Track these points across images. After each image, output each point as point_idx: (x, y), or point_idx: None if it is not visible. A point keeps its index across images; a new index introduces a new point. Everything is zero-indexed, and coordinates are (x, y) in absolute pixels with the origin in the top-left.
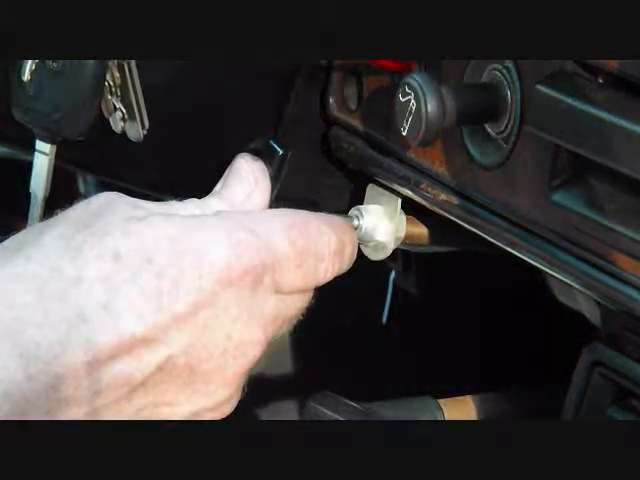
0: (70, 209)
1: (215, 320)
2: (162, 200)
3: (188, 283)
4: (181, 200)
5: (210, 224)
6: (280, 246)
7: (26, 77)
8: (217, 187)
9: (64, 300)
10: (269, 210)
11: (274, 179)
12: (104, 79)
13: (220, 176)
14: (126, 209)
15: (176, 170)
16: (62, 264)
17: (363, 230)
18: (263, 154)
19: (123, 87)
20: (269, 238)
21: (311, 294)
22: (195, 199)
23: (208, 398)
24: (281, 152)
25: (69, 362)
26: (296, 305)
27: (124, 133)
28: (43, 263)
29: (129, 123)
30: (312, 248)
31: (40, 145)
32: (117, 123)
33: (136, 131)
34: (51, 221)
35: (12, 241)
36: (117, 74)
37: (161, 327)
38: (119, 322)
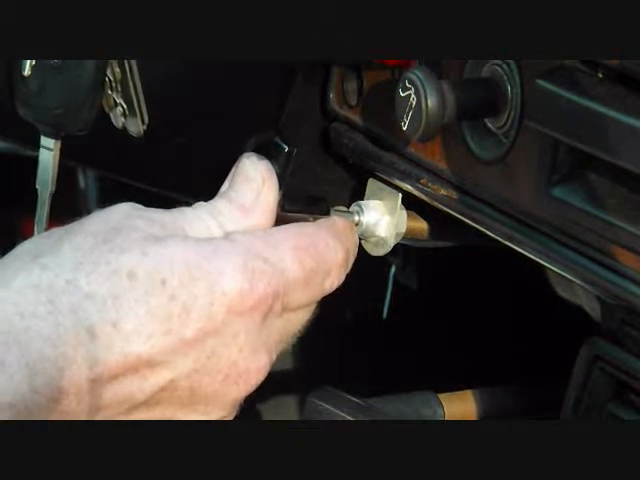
0: (88, 219)
1: (222, 347)
2: (163, 195)
3: (199, 309)
4: (187, 202)
5: (224, 251)
6: (291, 270)
7: (26, 72)
8: (223, 187)
9: (75, 314)
10: (279, 230)
11: (281, 176)
12: (105, 73)
13: (220, 171)
14: (144, 226)
15: (176, 165)
16: (77, 277)
17: (364, 226)
18: (268, 151)
19: (123, 82)
20: (281, 263)
21: (315, 305)
22: (204, 203)
23: (205, 416)
24: (287, 149)
25: (73, 378)
26: (301, 320)
27: (125, 128)
28: (59, 274)
29: (129, 118)
30: (320, 266)
31: (45, 141)
32: (118, 118)
33: (136, 126)
34: (69, 229)
35: (30, 245)
36: (117, 69)
37: (168, 351)
38: (127, 342)
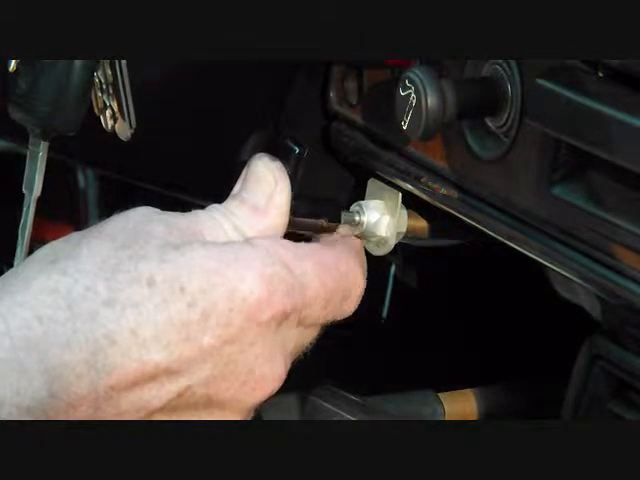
0: (107, 224)
1: (240, 355)
2: (165, 194)
3: (218, 316)
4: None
5: (244, 256)
6: (311, 287)
7: (12, 68)
8: (235, 189)
9: (94, 321)
10: (303, 246)
11: (292, 177)
12: (93, 73)
13: (220, 170)
14: (162, 232)
15: (177, 164)
16: (96, 283)
17: (364, 226)
18: (279, 153)
19: (114, 85)
20: (303, 277)
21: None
22: (217, 205)
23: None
24: (298, 150)
25: (91, 384)
26: (313, 335)
27: (114, 132)
28: (78, 279)
29: (119, 122)
30: (341, 289)
31: (32, 143)
32: (107, 121)
33: (124, 130)
34: (87, 233)
35: (48, 249)
36: (109, 72)
37: (185, 359)
38: (145, 349)
